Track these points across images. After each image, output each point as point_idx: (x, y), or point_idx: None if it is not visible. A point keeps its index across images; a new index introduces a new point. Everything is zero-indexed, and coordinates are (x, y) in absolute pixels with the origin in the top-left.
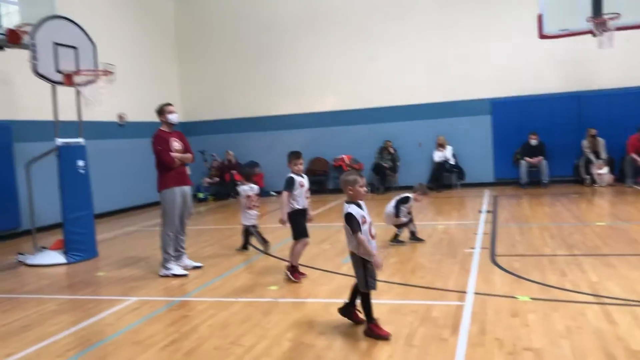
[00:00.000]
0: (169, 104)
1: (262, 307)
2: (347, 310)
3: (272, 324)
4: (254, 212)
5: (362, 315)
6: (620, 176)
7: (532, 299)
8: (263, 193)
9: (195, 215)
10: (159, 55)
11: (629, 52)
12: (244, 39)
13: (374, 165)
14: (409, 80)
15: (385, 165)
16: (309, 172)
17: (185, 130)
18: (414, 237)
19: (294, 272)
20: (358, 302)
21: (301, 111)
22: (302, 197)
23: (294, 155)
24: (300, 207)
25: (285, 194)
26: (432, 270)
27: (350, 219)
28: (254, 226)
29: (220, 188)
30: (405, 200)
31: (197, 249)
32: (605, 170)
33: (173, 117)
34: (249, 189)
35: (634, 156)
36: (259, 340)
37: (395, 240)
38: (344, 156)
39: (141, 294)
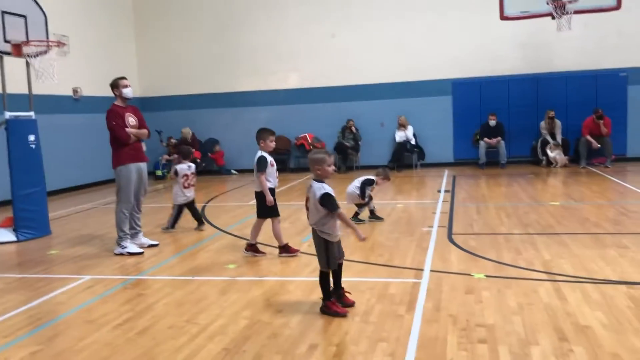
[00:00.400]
0: (123, 78)
1: (219, 285)
2: (336, 295)
3: (228, 303)
4: (191, 191)
5: (350, 297)
6: (575, 157)
7: (486, 276)
8: (224, 171)
9: (153, 193)
10: (116, 28)
11: (587, 36)
12: (205, 13)
13: (336, 145)
14: (372, 59)
15: (347, 144)
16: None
17: (143, 106)
18: (374, 216)
19: (283, 251)
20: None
21: (263, 88)
22: (273, 175)
23: (268, 132)
24: (272, 187)
25: (262, 175)
26: (390, 248)
27: (328, 198)
28: (188, 205)
29: None
30: (371, 182)
31: (154, 227)
32: (560, 151)
33: (127, 92)
34: (187, 167)
35: (589, 138)
36: (215, 318)
37: (355, 219)
38: (306, 135)
39: (95, 273)
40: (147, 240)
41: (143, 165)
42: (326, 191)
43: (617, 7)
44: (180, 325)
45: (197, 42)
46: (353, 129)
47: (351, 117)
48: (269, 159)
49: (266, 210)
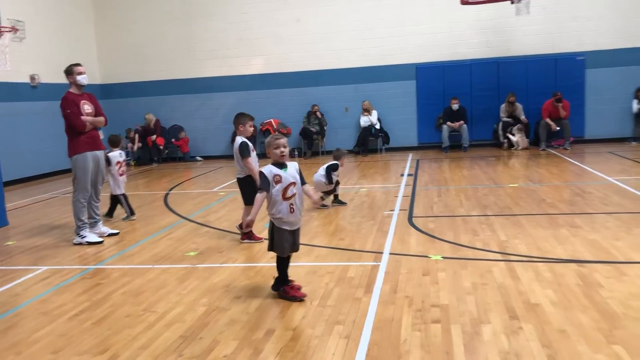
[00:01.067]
0: (78, 64)
1: (179, 273)
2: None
3: (188, 290)
4: (123, 178)
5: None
6: (535, 140)
7: (443, 258)
8: (188, 158)
9: None
10: (74, 12)
11: (545, 20)
12: None
13: (301, 130)
14: (336, 44)
15: (312, 129)
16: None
17: (105, 93)
18: (337, 201)
19: (246, 237)
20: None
21: (228, 74)
22: (255, 161)
23: (247, 117)
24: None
25: (248, 160)
26: (351, 232)
27: (260, 176)
28: (123, 194)
29: (143, 153)
30: (335, 167)
31: (115, 215)
32: (523, 134)
33: (82, 78)
34: (118, 155)
35: (548, 121)
36: (173, 306)
37: (322, 205)
38: (271, 120)
39: (52, 263)
40: (107, 229)
41: (100, 154)
42: (262, 169)
43: None
44: (137, 314)
45: (160, 27)
46: (318, 114)
47: (316, 102)
48: (250, 144)
49: (254, 195)
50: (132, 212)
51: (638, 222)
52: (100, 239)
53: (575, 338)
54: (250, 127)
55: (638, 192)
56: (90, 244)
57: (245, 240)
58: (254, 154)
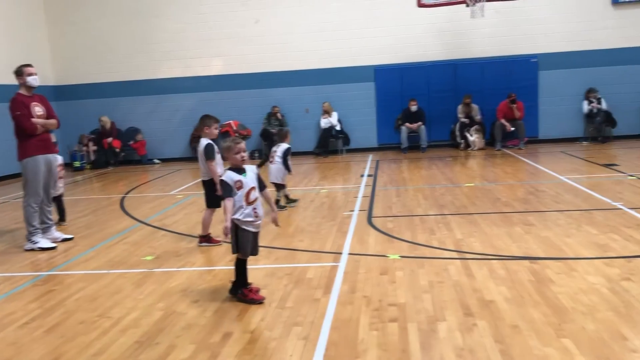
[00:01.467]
0: (28, 65)
1: (135, 278)
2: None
3: (144, 295)
4: (61, 182)
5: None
6: (490, 140)
7: (401, 257)
8: (145, 161)
9: (71, 185)
10: (25, 12)
11: (500, 23)
12: None
13: (261, 131)
14: (296, 45)
15: (273, 131)
16: (194, 138)
17: (58, 94)
18: (290, 200)
19: (204, 240)
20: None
21: (185, 75)
22: (220, 164)
23: (212, 119)
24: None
25: (212, 163)
26: (311, 233)
27: (221, 184)
28: (60, 195)
29: (99, 156)
30: (288, 150)
31: (70, 220)
32: (480, 135)
33: (33, 80)
34: (53, 158)
35: (503, 121)
36: (129, 311)
37: (278, 205)
38: (231, 122)
39: (2, 270)
40: (60, 234)
41: (52, 157)
42: (223, 177)
43: None
44: (92, 320)
45: (116, 27)
46: (279, 115)
47: (277, 104)
48: (215, 146)
49: (216, 199)
50: (63, 216)
51: (588, 220)
52: (53, 245)
53: (527, 333)
54: (216, 129)
55: (588, 190)
56: (42, 249)
57: (204, 244)
58: (218, 156)
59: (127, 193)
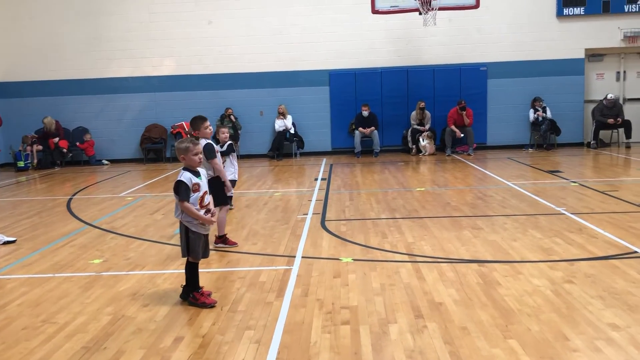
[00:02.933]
0: None
1: (82, 282)
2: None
3: (91, 299)
4: None
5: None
6: (441, 146)
7: (354, 260)
8: (94, 162)
9: (14, 185)
10: None
11: (451, 32)
12: None
13: (214, 133)
14: (251, 48)
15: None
16: (145, 140)
17: (2, 91)
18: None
19: (227, 240)
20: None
21: (135, 74)
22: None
23: (201, 120)
24: (216, 175)
25: (216, 160)
26: (264, 236)
27: (178, 186)
28: None
29: (44, 156)
30: (232, 147)
31: (12, 222)
32: (431, 140)
33: None
34: None
35: (453, 128)
36: (75, 316)
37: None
38: (183, 123)
39: None
40: (2, 237)
41: None
42: (179, 179)
43: (476, 6)
44: (35, 325)
45: (62, 23)
46: (232, 117)
47: (230, 106)
48: (216, 146)
49: (224, 196)
50: None
51: (533, 224)
52: None
53: (475, 334)
54: (206, 128)
55: (533, 196)
56: None
57: (220, 245)
58: (219, 154)
59: (74, 194)
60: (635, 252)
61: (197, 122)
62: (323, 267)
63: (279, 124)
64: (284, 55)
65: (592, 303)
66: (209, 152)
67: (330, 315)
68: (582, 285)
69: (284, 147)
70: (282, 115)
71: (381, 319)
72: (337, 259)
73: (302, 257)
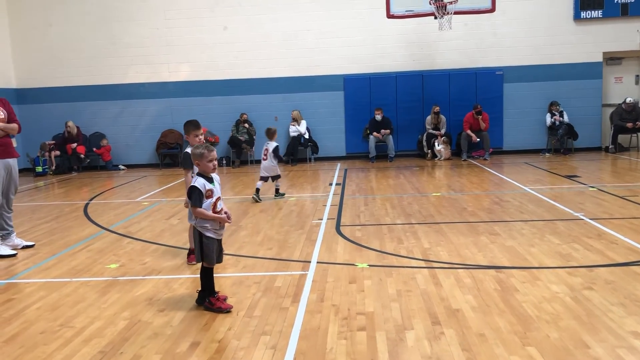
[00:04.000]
0: None
1: (99, 286)
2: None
3: (108, 304)
4: None
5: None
6: (457, 151)
7: (369, 265)
8: (110, 167)
9: (33, 191)
10: None
11: (467, 36)
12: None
13: (230, 139)
14: (265, 53)
15: (241, 138)
16: (161, 145)
17: (20, 97)
18: (278, 194)
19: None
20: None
21: (152, 80)
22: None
23: (193, 126)
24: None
25: (189, 171)
26: (279, 241)
27: (192, 192)
28: None
29: (62, 161)
30: (277, 148)
31: (31, 226)
32: (447, 145)
33: None
34: (14, 163)
35: (469, 132)
36: (92, 321)
37: (278, 194)
38: None
39: None
40: (20, 241)
41: (13, 162)
42: (193, 184)
43: (492, 9)
44: (53, 329)
45: (81, 30)
46: (247, 123)
47: (245, 111)
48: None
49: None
50: None
51: (551, 229)
52: (14, 252)
53: (493, 341)
54: (196, 136)
55: (551, 201)
56: (2, 257)
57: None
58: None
59: (91, 199)
60: None
61: (189, 127)
62: (338, 273)
63: (293, 130)
64: (299, 61)
65: (612, 310)
66: (184, 160)
67: (346, 321)
68: (602, 292)
69: (299, 152)
70: (295, 121)
71: (397, 325)
72: (353, 265)
73: (318, 262)
